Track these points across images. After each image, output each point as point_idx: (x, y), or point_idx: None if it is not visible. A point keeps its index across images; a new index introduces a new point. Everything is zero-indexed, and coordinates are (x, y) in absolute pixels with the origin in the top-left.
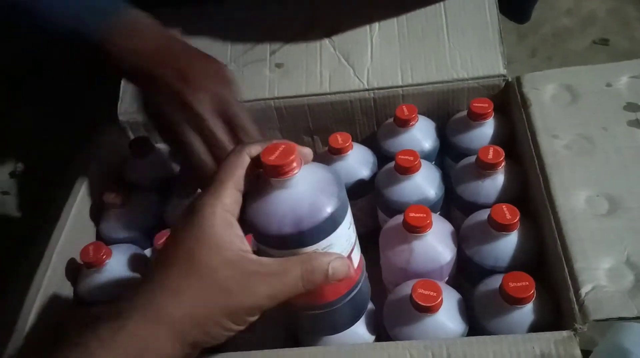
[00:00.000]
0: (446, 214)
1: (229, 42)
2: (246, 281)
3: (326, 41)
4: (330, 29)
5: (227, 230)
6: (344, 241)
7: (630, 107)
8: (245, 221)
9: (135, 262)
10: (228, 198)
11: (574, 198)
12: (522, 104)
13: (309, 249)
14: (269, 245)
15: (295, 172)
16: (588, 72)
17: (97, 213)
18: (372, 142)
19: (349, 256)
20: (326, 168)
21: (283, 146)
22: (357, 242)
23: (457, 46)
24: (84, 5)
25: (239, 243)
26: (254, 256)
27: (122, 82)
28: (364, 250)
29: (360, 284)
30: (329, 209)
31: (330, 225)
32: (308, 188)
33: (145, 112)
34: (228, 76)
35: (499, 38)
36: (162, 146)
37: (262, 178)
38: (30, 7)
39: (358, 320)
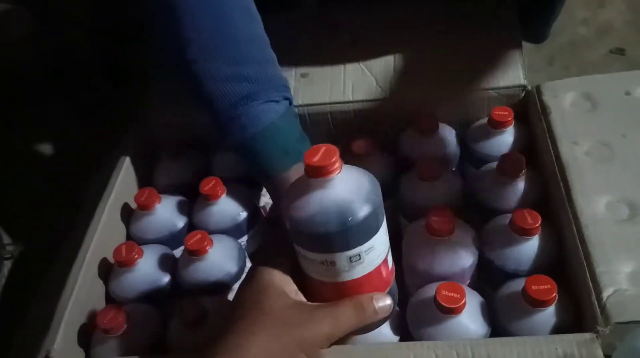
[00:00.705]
0: (466, 219)
1: None
2: (310, 315)
3: (350, 52)
4: (353, 41)
5: (286, 283)
6: (382, 244)
7: None
8: (290, 224)
9: (165, 262)
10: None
11: (595, 204)
12: (542, 112)
13: (353, 252)
14: (314, 248)
15: (337, 172)
16: (607, 80)
17: (128, 215)
18: (393, 149)
19: (386, 259)
20: (362, 170)
21: (325, 148)
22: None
23: (479, 59)
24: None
25: (295, 294)
26: (311, 303)
27: (151, 89)
28: None
29: (391, 286)
30: (371, 208)
31: (372, 225)
32: (350, 187)
33: None
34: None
35: (519, 51)
36: (190, 149)
37: (303, 181)
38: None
39: (386, 320)
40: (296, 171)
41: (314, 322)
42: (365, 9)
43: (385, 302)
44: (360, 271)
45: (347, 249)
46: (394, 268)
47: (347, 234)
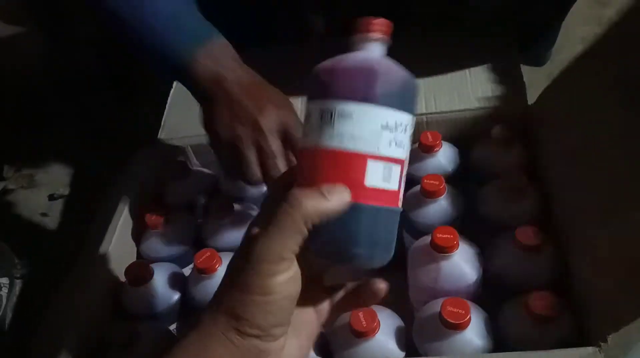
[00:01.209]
0: (470, 235)
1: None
2: (244, 249)
3: None
4: None
5: None
6: (365, 131)
7: None
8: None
9: (175, 280)
10: None
11: None
12: (541, 128)
13: (327, 104)
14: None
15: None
16: None
17: (138, 234)
18: None
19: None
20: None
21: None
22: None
23: (479, 79)
24: (179, 25)
25: None
26: None
27: (166, 109)
28: (387, 272)
29: (396, 208)
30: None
31: (359, 87)
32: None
33: (206, 128)
34: (288, 101)
35: (518, 69)
36: (198, 169)
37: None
38: (127, 18)
39: (379, 255)
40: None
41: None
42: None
43: (336, 191)
44: (325, 139)
45: (322, 98)
46: (399, 193)
47: (329, 75)
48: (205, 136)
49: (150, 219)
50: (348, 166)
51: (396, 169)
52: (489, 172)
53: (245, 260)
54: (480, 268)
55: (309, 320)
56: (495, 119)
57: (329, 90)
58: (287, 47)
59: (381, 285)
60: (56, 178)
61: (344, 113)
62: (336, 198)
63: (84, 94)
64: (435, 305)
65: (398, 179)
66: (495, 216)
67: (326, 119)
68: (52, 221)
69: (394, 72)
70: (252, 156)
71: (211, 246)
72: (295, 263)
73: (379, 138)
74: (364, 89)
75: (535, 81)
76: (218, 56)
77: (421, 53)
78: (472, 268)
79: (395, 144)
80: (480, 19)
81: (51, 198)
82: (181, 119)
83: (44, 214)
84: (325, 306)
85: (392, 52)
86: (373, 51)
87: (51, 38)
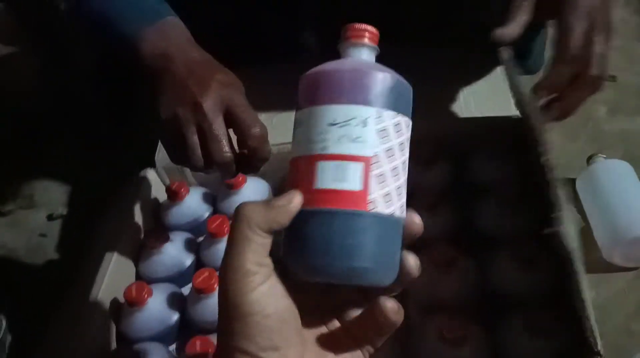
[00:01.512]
0: (466, 248)
1: (260, 98)
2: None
3: None
4: None
5: None
6: (314, 133)
7: None
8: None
9: (174, 300)
10: None
11: None
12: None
13: (299, 113)
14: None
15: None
16: None
17: (137, 254)
18: None
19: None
20: None
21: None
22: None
23: (471, 92)
24: (137, 4)
25: None
26: None
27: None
28: None
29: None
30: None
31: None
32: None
33: (150, 110)
34: (236, 81)
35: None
36: (196, 189)
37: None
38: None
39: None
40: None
41: None
42: None
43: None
44: (294, 150)
45: (299, 108)
46: (366, 193)
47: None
48: None
49: (149, 240)
50: (300, 172)
51: (354, 166)
52: (485, 184)
53: (220, 288)
54: (478, 282)
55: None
56: (489, 132)
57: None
58: (281, 66)
59: (387, 304)
60: (55, 198)
61: (298, 121)
62: (282, 201)
63: (82, 116)
64: (434, 322)
65: (360, 178)
66: (491, 229)
67: (296, 128)
68: (51, 242)
69: (339, 68)
70: (194, 140)
71: (210, 265)
72: (271, 279)
73: (325, 136)
74: (309, 93)
75: (527, 92)
76: (168, 34)
77: (413, 68)
78: (470, 282)
79: (350, 140)
80: (466, 32)
81: (50, 218)
82: None
83: (42, 235)
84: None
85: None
86: (354, 56)
87: (47, 60)
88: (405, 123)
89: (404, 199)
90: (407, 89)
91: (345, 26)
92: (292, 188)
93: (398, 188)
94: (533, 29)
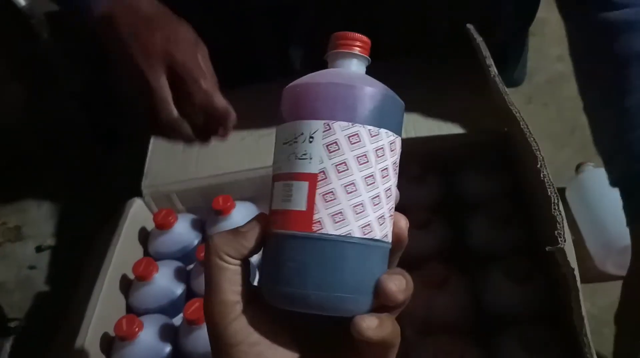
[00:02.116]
0: (458, 265)
1: (247, 120)
2: None
3: None
4: None
5: None
6: (275, 153)
7: None
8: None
9: (166, 332)
10: None
11: None
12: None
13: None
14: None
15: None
16: None
17: (127, 286)
18: None
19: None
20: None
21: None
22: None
23: (458, 105)
24: None
25: None
26: None
27: (148, 156)
28: None
29: (304, 233)
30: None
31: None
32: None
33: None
34: (186, 35)
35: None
36: (184, 216)
37: None
38: None
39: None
40: None
41: None
42: None
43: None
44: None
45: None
46: (312, 214)
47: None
48: (189, 180)
49: (137, 271)
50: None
51: (298, 186)
52: (474, 199)
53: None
54: (472, 300)
55: None
56: (478, 146)
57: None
58: (272, 84)
59: (363, 323)
60: (43, 229)
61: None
62: (246, 226)
63: (69, 145)
64: (430, 343)
65: (305, 198)
66: (483, 246)
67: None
68: (40, 274)
69: (293, 86)
70: (146, 106)
71: (201, 295)
72: (254, 304)
73: (279, 156)
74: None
75: (514, 103)
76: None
77: (398, 83)
78: (464, 300)
79: (296, 157)
80: (445, 44)
81: (39, 249)
82: (163, 166)
83: (31, 267)
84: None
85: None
86: (356, 69)
87: (34, 90)
88: (367, 133)
89: (371, 216)
90: (369, 96)
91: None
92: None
93: (357, 205)
94: (518, 42)
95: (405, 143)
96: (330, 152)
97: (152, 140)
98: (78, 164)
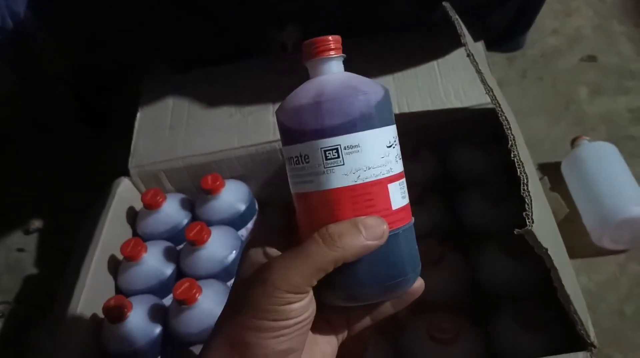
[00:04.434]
0: (453, 242)
1: (234, 97)
2: (256, 275)
3: None
4: None
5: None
6: (377, 155)
7: None
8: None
9: (155, 312)
10: None
11: None
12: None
13: (328, 143)
14: (289, 137)
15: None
16: None
17: (115, 267)
18: None
19: (385, 182)
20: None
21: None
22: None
23: (449, 81)
24: None
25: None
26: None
27: (134, 136)
28: None
29: (400, 231)
30: (356, 94)
31: (354, 113)
32: (346, 76)
33: None
34: None
35: (487, 70)
36: (173, 196)
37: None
38: None
39: (387, 287)
40: None
41: (259, 278)
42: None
43: (373, 220)
44: (339, 178)
45: (321, 137)
46: (409, 212)
47: (319, 110)
48: (177, 159)
49: (126, 251)
50: (372, 197)
51: (404, 183)
52: (468, 176)
53: (258, 286)
54: (467, 278)
55: (323, 338)
56: (470, 122)
57: (324, 130)
58: (255, 61)
59: (417, 283)
60: (31, 212)
61: (351, 146)
62: (374, 235)
63: (55, 127)
64: (424, 321)
65: (407, 191)
66: (479, 223)
67: (332, 156)
68: (29, 256)
69: (374, 88)
70: None
71: (190, 274)
72: (311, 290)
73: (387, 158)
74: (367, 115)
75: (509, 77)
76: None
77: (388, 57)
78: (459, 278)
79: (398, 158)
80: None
81: (27, 232)
82: (151, 145)
83: (20, 250)
84: (342, 322)
85: (358, 60)
86: (337, 70)
87: (20, 75)
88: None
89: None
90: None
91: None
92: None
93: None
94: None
95: (399, 118)
96: (397, 153)
97: (138, 119)
98: (65, 146)
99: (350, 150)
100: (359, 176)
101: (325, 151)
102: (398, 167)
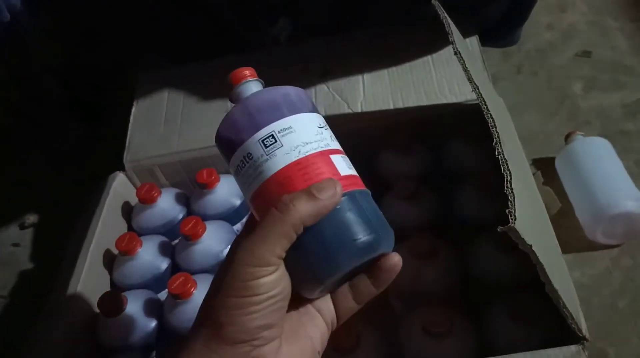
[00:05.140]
0: (447, 235)
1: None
2: (226, 257)
3: (320, 82)
4: (324, 72)
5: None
6: (309, 132)
7: None
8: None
9: (151, 307)
10: None
11: None
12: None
13: (263, 132)
14: (230, 148)
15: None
16: None
17: (110, 261)
18: (370, 169)
19: (326, 152)
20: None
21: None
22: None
23: (444, 75)
24: None
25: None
26: None
27: (129, 130)
28: None
29: (355, 192)
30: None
31: (279, 101)
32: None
33: None
34: None
35: (482, 64)
36: (168, 190)
37: None
38: None
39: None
40: None
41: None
42: (333, 41)
43: (325, 185)
44: (282, 158)
45: (256, 130)
46: (362, 183)
47: (247, 110)
48: (172, 153)
49: (121, 246)
50: (319, 166)
51: (347, 158)
52: (462, 170)
53: (227, 265)
54: (460, 271)
55: (311, 321)
56: (465, 116)
57: (257, 124)
58: (248, 55)
59: (395, 258)
60: (26, 206)
61: (284, 129)
62: (327, 194)
63: (49, 121)
64: (417, 314)
65: (352, 165)
66: (472, 216)
67: (270, 143)
68: (24, 251)
69: (288, 87)
70: None
71: (185, 269)
72: (282, 266)
73: (322, 136)
74: (291, 104)
75: (503, 72)
76: None
77: (382, 51)
78: (453, 271)
79: (333, 139)
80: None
81: (22, 227)
82: (146, 140)
83: (15, 245)
84: (327, 305)
85: (352, 54)
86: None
87: (10, 67)
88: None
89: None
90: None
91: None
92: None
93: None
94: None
95: (393, 113)
96: (335, 140)
97: (132, 113)
98: (60, 141)
99: (284, 132)
100: (300, 151)
101: (262, 140)
102: (336, 144)
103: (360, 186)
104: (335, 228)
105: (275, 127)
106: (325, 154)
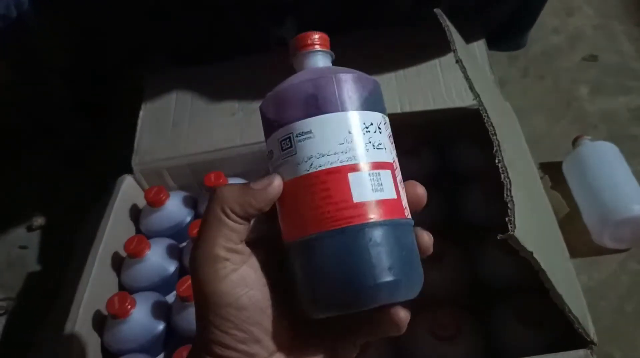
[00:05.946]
0: (453, 237)
1: (237, 94)
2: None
3: None
4: None
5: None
6: (334, 142)
7: None
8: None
9: (159, 309)
10: None
11: None
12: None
13: (281, 132)
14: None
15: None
16: None
17: (119, 263)
18: None
19: (352, 167)
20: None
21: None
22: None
23: (451, 79)
24: None
25: None
26: None
27: (137, 133)
28: None
29: (365, 227)
30: (309, 83)
31: (304, 100)
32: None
33: None
34: None
35: (488, 68)
36: (176, 193)
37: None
38: None
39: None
40: None
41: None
42: (334, 44)
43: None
44: (292, 168)
45: (278, 127)
46: (392, 209)
47: (275, 99)
48: (180, 156)
49: (129, 248)
50: (329, 186)
51: (386, 174)
52: (469, 172)
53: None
54: (467, 272)
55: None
56: (471, 119)
57: (280, 119)
58: (253, 58)
59: (402, 314)
60: (34, 208)
61: (303, 132)
62: (260, 184)
63: (57, 123)
64: (426, 317)
65: (393, 185)
66: (479, 219)
67: (286, 146)
68: (31, 253)
69: (344, 74)
70: None
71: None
72: (245, 267)
73: (349, 145)
74: (324, 99)
75: (510, 76)
76: None
77: (389, 54)
78: (459, 273)
79: (374, 146)
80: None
81: (30, 229)
82: (154, 142)
83: (23, 247)
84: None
85: (357, 56)
86: (315, 62)
87: (16, 67)
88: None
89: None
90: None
91: (304, 36)
92: (322, 207)
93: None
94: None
95: (400, 116)
96: (391, 143)
97: (140, 116)
98: (67, 142)
99: (302, 137)
100: (312, 164)
101: (281, 141)
102: (372, 156)
103: (390, 216)
104: (339, 263)
105: (294, 129)
106: (343, 171)
